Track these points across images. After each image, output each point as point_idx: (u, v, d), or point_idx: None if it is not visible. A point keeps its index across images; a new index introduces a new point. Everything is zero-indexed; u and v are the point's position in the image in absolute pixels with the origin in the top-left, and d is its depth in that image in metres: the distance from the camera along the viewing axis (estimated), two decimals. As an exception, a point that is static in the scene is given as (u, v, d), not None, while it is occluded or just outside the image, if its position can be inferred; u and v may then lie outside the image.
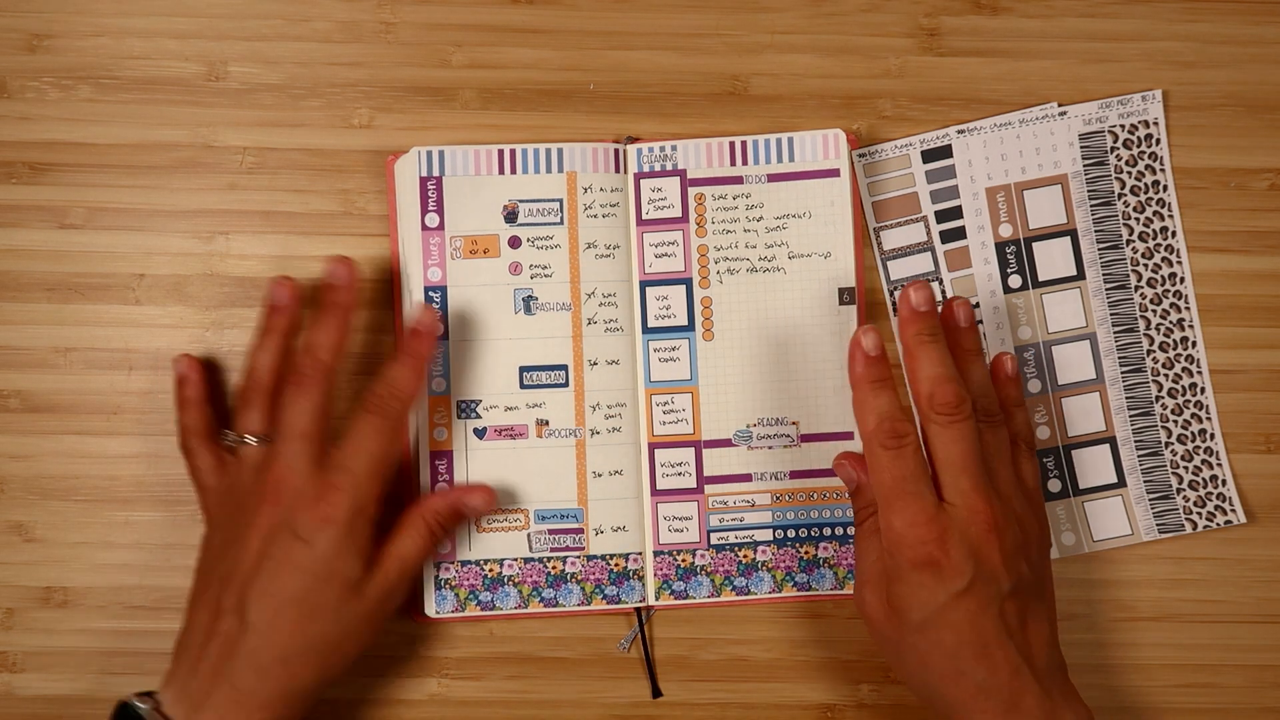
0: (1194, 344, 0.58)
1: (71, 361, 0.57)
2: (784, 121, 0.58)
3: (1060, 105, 0.58)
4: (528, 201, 0.57)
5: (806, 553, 0.57)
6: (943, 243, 0.58)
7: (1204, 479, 0.58)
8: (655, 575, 0.57)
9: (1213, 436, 0.58)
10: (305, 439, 0.51)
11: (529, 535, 0.57)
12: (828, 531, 0.57)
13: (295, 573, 0.50)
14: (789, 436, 0.57)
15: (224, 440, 0.54)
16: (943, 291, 0.58)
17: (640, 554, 0.57)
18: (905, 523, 0.49)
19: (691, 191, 0.58)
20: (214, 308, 0.57)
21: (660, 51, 0.58)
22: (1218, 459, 0.58)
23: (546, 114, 0.58)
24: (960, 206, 0.58)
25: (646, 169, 0.58)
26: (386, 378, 0.53)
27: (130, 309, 0.57)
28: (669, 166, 0.58)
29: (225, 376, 0.57)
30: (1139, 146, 0.58)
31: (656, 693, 0.57)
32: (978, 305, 0.58)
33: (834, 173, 0.57)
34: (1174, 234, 0.58)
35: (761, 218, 0.57)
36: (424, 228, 0.57)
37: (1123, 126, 0.58)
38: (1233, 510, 0.58)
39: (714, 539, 0.57)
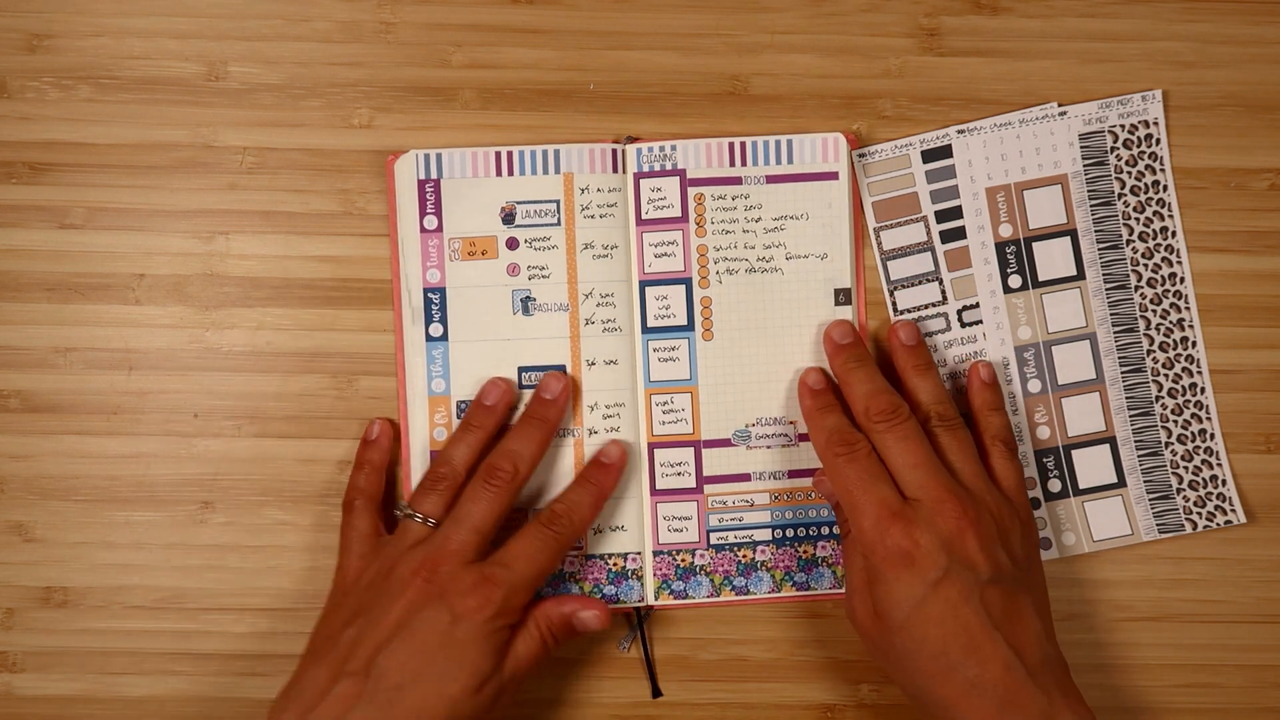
0: (1194, 344, 0.58)
1: (71, 361, 0.57)
2: (784, 121, 0.58)
3: (1060, 105, 0.58)
4: (525, 203, 0.57)
5: (805, 552, 0.57)
6: (943, 243, 0.58)
7: (1204, 479, 0.58)
8: (654, 575, 0.57)
9: (1213, 436, 0.58)
10: (478, 533, 0.52)
11: (528, 535, 0.56)
12: (826, 530, 0.57)
13: (430, 649, 0.50)
14: (787, 436, 0.57)
15: (399, 512, 0.54)
16: (942, 292, 0.58)
17: (639, 554, 0.57)
18: (872, 521, 0.50)
19: (691, 191, 0.58)
20: (214, 308, 0.58)
21: (660, 51, 0.58)
22: (1218, 459, 0.58)
23: (546, 114, 0.58)
24: (960, 206, 0.58)
25: (646, 169, 0.58)
26: (569, 500, 0.54)
27: (130, 309, 0.57)
28: (669, 166, 0.58)
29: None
30: (1139, 146, 0.58)
31: (656, 693, 0.57)
32: (975, 305, 0.58)
33: (832, 175, 0.57)
34: (1174, 234, 0.58)
35: (760, 219, 0.57)
36: (422, 230, 0.57)
37: (1123, 126, 0.58)
38: (1233, 510, 0.58)
39: (713, 539, 0.57)
